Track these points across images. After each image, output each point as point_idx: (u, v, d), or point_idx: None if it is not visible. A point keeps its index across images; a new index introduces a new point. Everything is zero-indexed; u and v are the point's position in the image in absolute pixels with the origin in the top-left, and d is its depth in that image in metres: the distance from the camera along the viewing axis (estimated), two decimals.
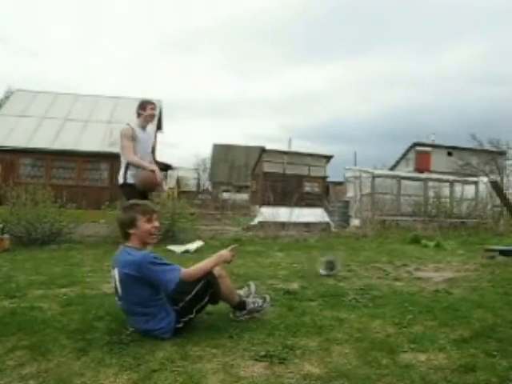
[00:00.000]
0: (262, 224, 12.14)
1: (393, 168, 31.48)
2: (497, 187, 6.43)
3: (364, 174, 14.89)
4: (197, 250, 7.23)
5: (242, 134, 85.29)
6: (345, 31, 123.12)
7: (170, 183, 26.32)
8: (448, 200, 14.48)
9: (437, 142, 31.71)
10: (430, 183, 15.06)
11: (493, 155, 26.51)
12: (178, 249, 7.23)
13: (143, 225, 2.71)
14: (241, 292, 3.21)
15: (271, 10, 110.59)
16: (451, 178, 16.14)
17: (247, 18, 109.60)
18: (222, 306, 3.32)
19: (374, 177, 14.29)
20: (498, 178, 15.65)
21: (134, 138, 4.29)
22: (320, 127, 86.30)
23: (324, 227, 13.10)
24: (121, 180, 4.33)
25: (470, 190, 14.99)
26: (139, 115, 4.52)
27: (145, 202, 3.07)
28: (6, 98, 25.14)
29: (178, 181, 31.81)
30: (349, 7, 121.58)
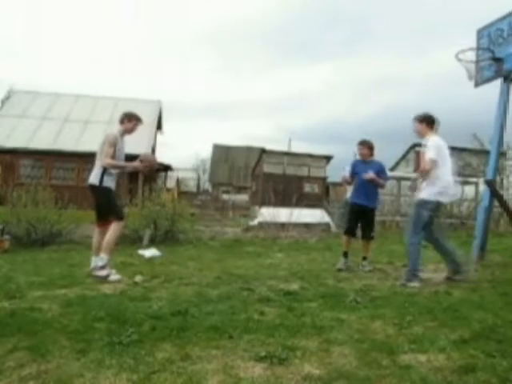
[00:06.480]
0: (261, 225, 12.14)
1: (393, 169, 31.44)
2: (492, 187, 6.39)
3: None
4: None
5: (239, 134, 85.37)
6: (337, 32, 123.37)
7: (169, 184, 26.30)
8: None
9: None
10: None
11: None
12: (147, 253, 6.72)
13: None
14: None
15: (267, 13, 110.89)
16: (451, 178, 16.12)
17: (246, 21, 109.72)
18: (223, 306, 3.32)
19: None
20: (498, 179, 15.65)
21: (115, 146, 4.61)
22: (316, 128, 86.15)
23: (324, 228, 13.10)
24: (96, 182, 4.57)
25: (470, 191, 14.99)
26: (122, 123, 4.79)
27: None
28: (7, 98, 25.14)
29: (178, 182, 31.80)
30: (341, 8, 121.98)
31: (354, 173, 5.74)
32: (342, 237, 5.87)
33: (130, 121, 4.78)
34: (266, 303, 3.49)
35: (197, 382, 2.03)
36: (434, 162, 4.41)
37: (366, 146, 5.72)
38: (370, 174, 5.48)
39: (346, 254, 5.54)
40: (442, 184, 4.49)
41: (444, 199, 4.61)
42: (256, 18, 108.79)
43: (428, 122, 4.65)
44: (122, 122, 4.79)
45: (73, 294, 3.83)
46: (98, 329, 2.77)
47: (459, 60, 6.11)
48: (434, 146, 4.47)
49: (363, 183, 5.59)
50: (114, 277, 4.42)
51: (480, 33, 6.46)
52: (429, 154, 4.45)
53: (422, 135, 4.70)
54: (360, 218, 5.68)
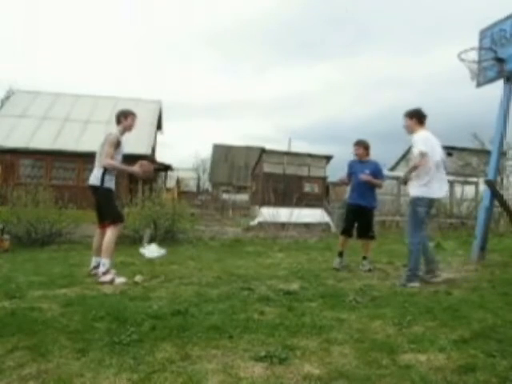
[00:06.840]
0: (261, 224, 12.15)
1: (393, 168, 31.45)
2: (492, 187, 6.39)
3: None
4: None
5: (239, 134, 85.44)
6: (337, 32, 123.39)
7: (169, 184, 26.28)
8: (448, 200, 14.48)
9: None
10: None
11: None
12: (152, 253, 6.63)
13: None
14: None
15: (267, 13, 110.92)
16: (451, 178, 16.14)
17: (246, 21, 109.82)
18: (223, 306, 3.32)
19: None
20: (498, 179, 15.70)
21: (117, 146, 4.56)
22: (316, 128, 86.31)
23: (324, 228, 13.10)
24: (97, 183, 4.52)
25: (470, 191, 15.00)
26: (119, 123, 4.73)
27: None
28: (7, 98, 25.13)
29: (178, 181, 31.79)
30: (340, 8, 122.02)
31: (351, 173, 5.75)
32: (339, 237, 5.89)
33: (127, 117, 4.72)
34: (266, 303, 3.49)
35: (197, 382, 2.03)
36: (426, 155, 4.37)
37: (362, 146, 5.72)
38: (366, 176, 5.49)
39: (341, 254, 5.59)
40: (434, 179, 4.46)
41: (436, 194, 4.58)
42: (256, 17, 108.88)
43: (417, 117, 4.58)
44: (118, 121, 4.73)
45: (73, 293, 3.83)
46: (98, 328, 2.76)
47: (462, 60, 6.11)
48: (422, 139, 4.42)
49: (359, 183, 5.60)
50: (119, 279, 4.37)
51: (483, 33, 6.47)
52: (418, 147, 4.39)
53: (411, 131, 4.64)
54: (357, 218, 5.68)
